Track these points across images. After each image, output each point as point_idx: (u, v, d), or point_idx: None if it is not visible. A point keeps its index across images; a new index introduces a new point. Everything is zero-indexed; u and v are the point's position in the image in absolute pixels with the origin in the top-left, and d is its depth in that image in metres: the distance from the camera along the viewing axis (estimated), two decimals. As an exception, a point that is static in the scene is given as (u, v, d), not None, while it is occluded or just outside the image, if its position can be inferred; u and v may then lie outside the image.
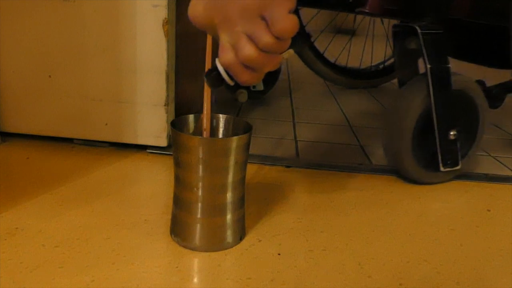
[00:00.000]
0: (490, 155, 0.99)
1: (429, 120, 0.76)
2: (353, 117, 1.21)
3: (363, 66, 1.60)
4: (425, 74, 0.76)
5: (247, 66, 0.43)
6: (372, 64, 1.63)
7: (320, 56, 1.44)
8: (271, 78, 1.34)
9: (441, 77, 0.76)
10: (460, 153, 0.79)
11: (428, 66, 0.75)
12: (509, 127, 1.24)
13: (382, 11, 0.80)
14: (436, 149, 0.77)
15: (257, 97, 1.32)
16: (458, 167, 0.79)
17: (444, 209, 0.72)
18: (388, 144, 0.80)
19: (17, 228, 0.57)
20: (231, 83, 0.47)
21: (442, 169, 0.78)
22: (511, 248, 0.61)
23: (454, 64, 0.79)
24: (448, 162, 0.78)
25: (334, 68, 1.48)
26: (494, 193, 0.80)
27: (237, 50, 0.42)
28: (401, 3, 0.81)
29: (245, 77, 0.44)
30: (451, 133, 0.77)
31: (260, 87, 1.30)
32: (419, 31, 0.76)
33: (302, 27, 1.40)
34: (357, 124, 1.15)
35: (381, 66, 1.62)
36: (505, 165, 0.93)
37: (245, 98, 1.26)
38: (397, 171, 0.82)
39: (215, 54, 0.52)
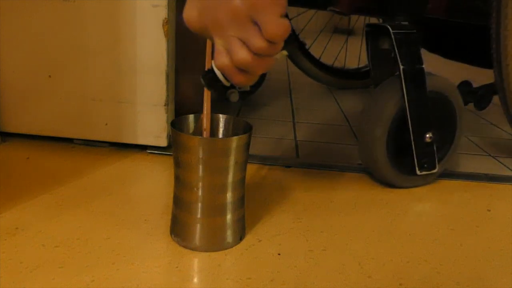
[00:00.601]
0: (490, 155, 0.99)
1: (404, 123, 0.74)
2: (353, 117, 1.21)
3: (352, 67, 1.60)
4: (398, 75, 0.73)
5: (241, 69, 0.44)
6: (359, 66, 1.62)
7: (314, 60, 1.44)
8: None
9: (415, 78, 0.73)
10: (438, 156, 0.77)
11: (401, 67, 0.73)
12: (509, 127, 1.24)
13: (353, 10, 0.79)
14: (412, 152, 0.75)
15: (244, 97, 1.33)
16: (435, 170, 0.77)
17: (444, 209, 0.72)
18: (362, 148, 0.78)
19: (17, 228, 0.57)
20: (227, 84, 0.47)
21: (418, 172, 0.76)
22: (511, 248, 0.61)
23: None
24: (425, 165, 0.76)
25: (326, 70, 1.48)
26: (494, 193, 0.80)
27: (231, 54, 0.43)
28: (372, 1, 0.79)
29: (239, 79, 0.45)
30: (427, 135, 0.75)
31: (246, 88, 1.30)
32: (391, 30, 0.73)
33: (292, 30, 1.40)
34: (357, 124, 1.15)
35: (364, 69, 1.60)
36: (505, 165, 0.93)
37: (237, 98, 1.27)
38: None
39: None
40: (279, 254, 0.55)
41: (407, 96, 0.73)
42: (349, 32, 1.55)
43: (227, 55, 0.43)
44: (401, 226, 0.65)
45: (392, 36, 0.73)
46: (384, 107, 0.74)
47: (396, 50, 0.73)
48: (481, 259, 0.58)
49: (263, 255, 0.55)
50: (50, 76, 0.81)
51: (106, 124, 0.82)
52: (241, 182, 0.55)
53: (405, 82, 0.73)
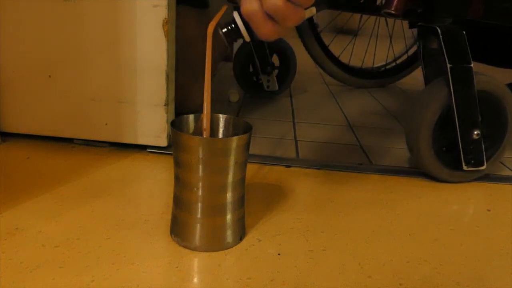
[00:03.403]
0: (490, 155, 0.99)
1: (451, 119, 0.77)
2: (353, 117, 1.21)
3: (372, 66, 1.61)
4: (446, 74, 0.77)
5: (271, 17, 0.42)
6: (374, 66, 1.63)
7: (331, 56, 1.45)
8: (285, 78, 1.34)
9: (463, 76, 0.77)
10: (486, 154, 0.80)
11: (449, 65, 0.76)
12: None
13: (405, 13, 0.82)
14: (459, 148, 0.78)
15: (269, 96, 1.32)
16: (482, 167, 0.80)
17: (444, 209, 0.72)
18: (409, 141, 0.82)
19: (17, 228, 0.56)
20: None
21: (465, 168, 0.79)
22: (511, 248, 0.61)
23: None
24: (472, 161, 0.79)
25: (344, 68, 1.49)
26: (494, 193, 0.80)
27: None
28: (423, 5, 0.82)
29: (266, 29, 0.43)
30: (475, 132, 0.78)
31: (274, 87, 1.30)
32: (439, 31, 0.77)
33: None
34: (357, 124, 1.15)
35: (382, 68, 1.62)
36: (505, 165, 0.93)
37: (237, 98, 1.26)
38: (398, 171, 0.83)
39: (215, 56, 0.52)
40: (279, 254, 0.55)
41: (454, 93, 0.76)
42: (356, 33, 1.56)
43: (258, 0, 0.41)
44: (401, 226, 0.65)
45: (440, 37, 0.77)
46: (431, 99, 0.78)
47: (444, 50, 0.77)
48: (481, 259, 0.58)
49: (263, 255, 0.55)
50: (50, 76, 0.81)
51: (106, 124, 0.82)
52: (241, 182, 0.55)
53: (452, 80, 0.76)
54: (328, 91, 1.52)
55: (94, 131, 0.83)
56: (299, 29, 1.41)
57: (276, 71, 1.32)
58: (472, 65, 0.77)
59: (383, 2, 0.80)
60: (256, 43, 1.26)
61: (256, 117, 1.14)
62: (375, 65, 1.65)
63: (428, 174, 0.82)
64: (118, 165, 0.78)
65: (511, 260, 0.59)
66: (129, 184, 0.71)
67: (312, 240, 0.59)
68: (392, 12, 0.79)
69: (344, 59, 1.52)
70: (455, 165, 0.80)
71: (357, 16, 1.41)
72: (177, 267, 0.51)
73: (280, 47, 1.33)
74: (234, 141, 0.52)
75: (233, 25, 0.44)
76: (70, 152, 0.81)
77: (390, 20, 1.11)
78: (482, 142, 0.79)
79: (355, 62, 1.58)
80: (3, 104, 0.83)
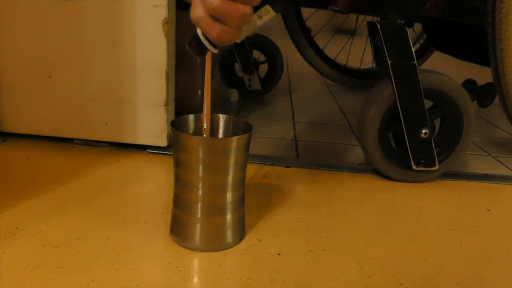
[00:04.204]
0: (490, 155, 0.99)
1: (398, 117, 0.77)
2: (353, 117, 1.21)
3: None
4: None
5: (215, 18, 0.42)
6: (361, 68, 1.63)
7: (325, 58, 1.45)
8: (269, 78, 1.34)
9: (405, 73, 0.76)
10: (443, 154, 0.79)
11: (389, 62, 0.76)
12: (509, 127, 1.24)
13: (350, 9, 0.82)
14: (407, 147, 0.77)
15: (253, 95, 1.32)
16: (434, 168, 0.79)
17: (444, 209, 0.72)
18: (359, 140, 0.81)
19: (17, 228, 0.57)
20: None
21: (414, 167, 0.78)
22: (511, 248, 0.61)
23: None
24: (422, 161, 0.78)
25: (338, 68, 1.49)
26: (494, 193, 0.80)
27: (202, 0, 0.42)
28: (368, 2, 0.82)
29: (215, 31, 0.43)
30: (423, 131, 0.76)
31: (257, 86, 1.29)
32: (378, 27, 0.76)
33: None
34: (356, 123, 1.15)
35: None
36: (505, 165, 0.93)
37: (236, 98, 1.26)
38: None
39: (214, 56, 0.52)
40: (279, 254, 0.55)
41: (396, 90, 0.75)
42: (353, 33, 1.56)
43: (201, 5, 0.42)
44: (401, 226, 0.65)
45: (380, 33, 0.76)
46: (377, 96, 0.77)
47: (384, 46, 0.76)
48: (481, 259, 0.58)
49: (263, 255, 0.55)
50: (50, 76, 0.81)
51: (106, 124, 0.82)
52: (241, 182, 0.55)
53: (393, 76, 0.75)
54: (328, 91, 1.52)
55: (94, 131, 0.83)
56: (291, 34, 1.41)
57: (260, 70, 1.31)
58: (415, 62, 0.76)
59: None
60: (238, 42, 1.25)
61: (256, 117, 1.14)
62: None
63: (381, 173, 0.81)
64: (118, 165, 0.78)
65: (511, 260, 0.59)
66: (129, 184, 0.71)
67: (312, 240, 0.59)
68: (337, 9, 0.79)
69: (342, 60, 1.52)
70: (406, 165, 0.78)
71: (353, 16, 1.41)
72: (177, 267, 0.51)
73: (264, 46, 1.32)
74: (234, 141, 0.52)
75: (196, 41, 0.45)
76: (70, 152, 0.81)
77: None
78: (432, 141, 0.77)
79: (354, 63, 1.58)
80: (3, 104, 0.83)
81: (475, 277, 0.54)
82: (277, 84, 1.36)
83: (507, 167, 0.93)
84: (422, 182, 0.80)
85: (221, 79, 1.32)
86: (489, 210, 0.73)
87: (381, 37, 0.76)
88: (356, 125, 0.82)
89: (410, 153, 0.77)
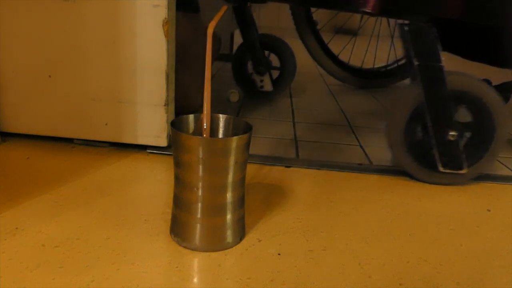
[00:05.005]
0: (490, 155, 0.99)
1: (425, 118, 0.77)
2: (353, 117, 1.21)
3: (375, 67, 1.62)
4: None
5: None
6: (374, 67, 1.64)
7: (331, 55, 1.45)
8: (280, 80, 1.33)
9: (432, 75, 0.76)
10: (474, 157, 0.79)
11: (416, 63, 0.76)
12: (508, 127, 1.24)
13: (381, 11, 0.81)
14: (434, 148, 0.77)
15: (264, 97, 1.32)
16: (462, 171, 0.78)
17: (444, 209, 0.72)
18: (387, 140, 0.81)
19: (17, 228, 0.57)
20: None
21: (441, 169, 0.78)
22: (511, 248, 0.61)
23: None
24: (449, 163, 0.78)
25: (344, 67, 1.49)
26: (494, 193, 0.80)
27: None
28: (397, 4, 0.82)
29: None
30: (450, 133, 0.76)
31: (268, 87, 1.29)
32: (405, 29, 0.77)
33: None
34: (357, 124, 1.15)
35: (382, 69, 1.62)
36: (505, 165, 0.93)
37: (237, 98, 1.26)
38: (398, 171, 0.83)
39: (215, 53, 0.52)
40: (279, 254, 0.55)
41: (424, 91, 0.76)
42: (355, 33, 1.56)
43: None
44: (401, 226, 0.65)
45: (407, 35, 0.77)
46: (403, 97, 0.78)
47: (411, 47, 0.76)
48: (481, 259, 0.58)
49: (263, 255, 0.55)
50: (50, 76, 0.81)
51: (106, 124, 0.82)
52: (241, 182, 0.55)
53: (421, 78, 0.76)
54: (328, 91, 1.52)
55: (94, 131, 0.83)
56: (298, 27, 1.41)
57: (273, 71, 1.31)
58: (442, 63, 0.76)
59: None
60: (249, 42, 1.25)
61: (256, 117, 1.14)
62: (376, 66, 1.65)
63: (408, 174, 0.81)
64: (118, 165, 0.78)
65: (511, 260, 0.59)
66: (129, 184, 0.71)
67: (312, 240, 0.59)
68: (369, 11, 0.79)
69: (343, 59, 1.52)
70: (433, 166, 0.78)
71: (357, 16, 1.41)
72: (177, 267, 0.51)
73: (276, 47, 1.32)
74: (234, 141, 0.52)
75: None
76: (70, 152, 0.81)
77: (392, 20, 1.11)
78: (460, 144, 0.77)
79: (355, 63, 1.59)
80: (3, 104, 0.83)
81: (475, 277, 0.54)
82: (288, 87, 1.36)
83: (507, 167, 0.93)
84: (450, 185, 0.80)
85: (232, 77, 1.32)
86: (489, 210, 0.73)
87: (409, 38, 0.77)
88: (386, 127, 0.82)
89: (437, 156, 0.77)
